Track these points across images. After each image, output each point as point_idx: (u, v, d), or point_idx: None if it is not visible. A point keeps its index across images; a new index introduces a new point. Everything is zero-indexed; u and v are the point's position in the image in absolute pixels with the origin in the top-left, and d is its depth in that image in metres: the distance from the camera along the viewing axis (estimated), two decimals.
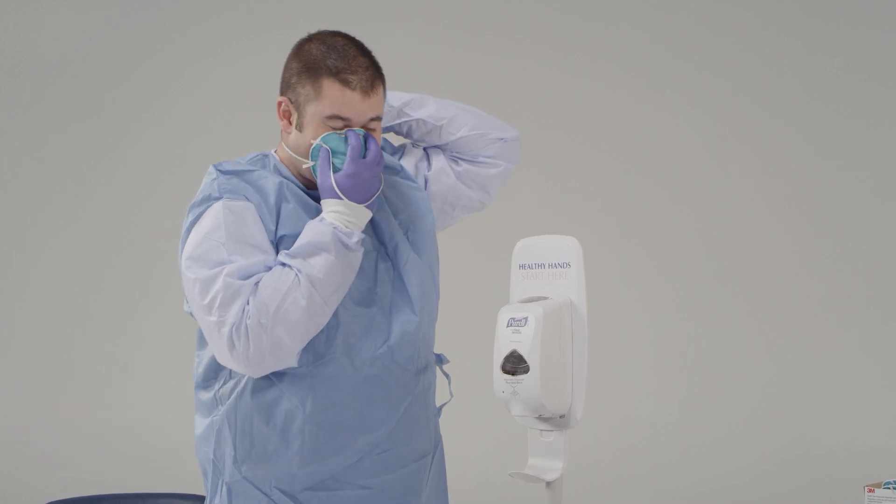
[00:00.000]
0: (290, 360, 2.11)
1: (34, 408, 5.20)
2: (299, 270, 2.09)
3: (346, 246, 2.12)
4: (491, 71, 5.17)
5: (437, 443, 2.36)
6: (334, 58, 2.17)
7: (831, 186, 5.09)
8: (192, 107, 5.27)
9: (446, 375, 2.39)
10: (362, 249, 2.16)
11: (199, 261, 2.11)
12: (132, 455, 5.03)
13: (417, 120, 2.37)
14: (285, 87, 2.22)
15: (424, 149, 2.42)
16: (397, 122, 2.37)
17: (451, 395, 2.40)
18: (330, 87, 2.16)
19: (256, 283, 2.07)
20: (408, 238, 2.28)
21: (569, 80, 5.18)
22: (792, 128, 5.13)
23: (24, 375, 5.24)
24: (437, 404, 2.37)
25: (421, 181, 2.37)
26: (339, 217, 2.13)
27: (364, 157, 2.16)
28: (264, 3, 5.28)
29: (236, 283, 2.07)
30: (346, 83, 2.16)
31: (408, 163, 2.39)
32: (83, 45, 5.32)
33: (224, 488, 2.21)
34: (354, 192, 2.14)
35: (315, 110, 2.17)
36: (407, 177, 2.34)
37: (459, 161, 2.40)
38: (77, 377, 5.19)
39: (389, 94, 2.34)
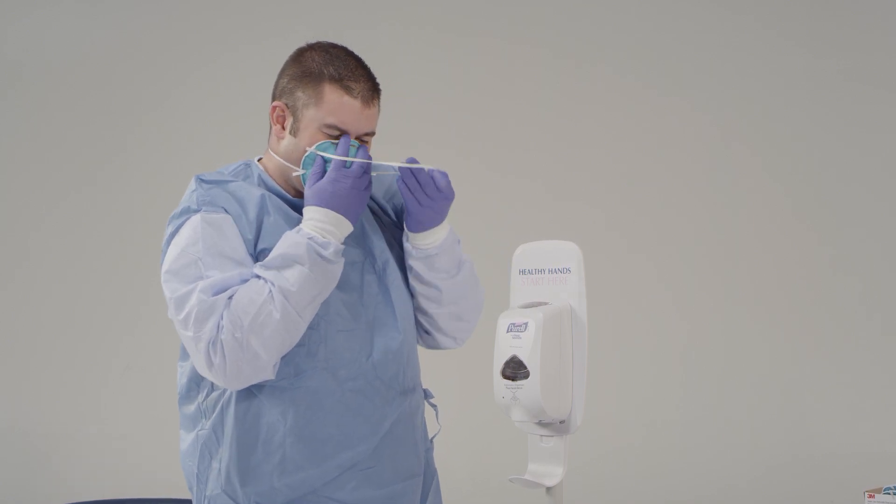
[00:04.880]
0: (267, 373, 2.10)
1: (34, 412, 5.19)
2: (273, 283, 2.06)
3: (321, 257, 2.08)
4: (492, 76, 5.17)
5: (433, 475, 2.35)
6: (336, 65, 2.16)
7: (833, 193, 5.08)
8: (195, 111, 5.27)
9: (433, 406, 2.38)
10: (342, 260, 2.13)
11: (177, 276, 2.12)
12: (132, 458, 5.02)
13: (425, 259, 2.25)
14: (281, 92, 2.20)
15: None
16: (416, 266, 2.25)
17: (440, 427, 2.38)
18: (331, 93, 2.15)
19: (230, 297, 2.06)
20: (395, 254, 2.27)
21: (570, 85, 5.18)
22: (795, 134, 5.12)
23: (24, 378, 5.23)
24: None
25: None
26: (316, 226, 2.10)
27: (349, 165, 2.13)
28: (266, 9, 5.28)
29: (210, 300, 2.05)
30: (347, 90, 2.15)
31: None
32: (85, 50, 5.32)
33: (206, 503, 2.21)
34: (333, 199, 2.11)
35: (314, 115, 2.16)
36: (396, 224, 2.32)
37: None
38: (78, 382, 5.18)
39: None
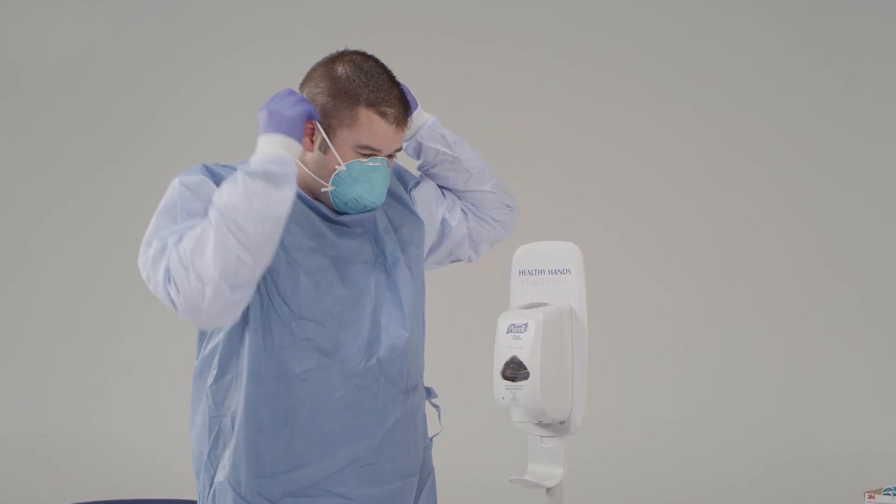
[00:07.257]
0: (225, 297, 2.01)
1: (35, 412, 5.20)
2: (210, 212, 2.04)
3: (247, 173, 2.03)
4: (492, 78, 5.17)
5: (430, 472, 2.35)
6: (371, 87, 2.16)
7: (833, 194, 5.09)
8: (195, 112, 5.27)
9: (436, 407, 2.38)
10: (277, 172, 2.04)
11: (148, 242, 2.09)
12: (133, 458, 5.03)
13: (455, 158, 2.38)
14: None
15: (442, 192, 2.43)
16: (437, 147, 2.37)
17: (441, 427, 2.39)
18: (367, 117, 2.15)
19: (180, 238, 2.05)
20: (405, 255, 2.28)
21: (571, 88, 5.18)
22: (795, 135, 5.12)
23: (25, 378, 5.24)
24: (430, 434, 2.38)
25: (437, 221, 2.39)
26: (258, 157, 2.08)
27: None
28: (266, 9, 5.29)
29: (164, 242, 2.05)
30: (383, 115, 2.16)
31: (423, 197, 2.39)
32: (85, 51, 5.33)
33: (212, 489, 2.21)
34: (280, 122, 2.09)
35: (348, 136, 2.16)
36: (409, 207, 2.34)
37: (470, 216, 2.42)
38: (78, 382, 5.19)
39: (434, 120, 2.37)
